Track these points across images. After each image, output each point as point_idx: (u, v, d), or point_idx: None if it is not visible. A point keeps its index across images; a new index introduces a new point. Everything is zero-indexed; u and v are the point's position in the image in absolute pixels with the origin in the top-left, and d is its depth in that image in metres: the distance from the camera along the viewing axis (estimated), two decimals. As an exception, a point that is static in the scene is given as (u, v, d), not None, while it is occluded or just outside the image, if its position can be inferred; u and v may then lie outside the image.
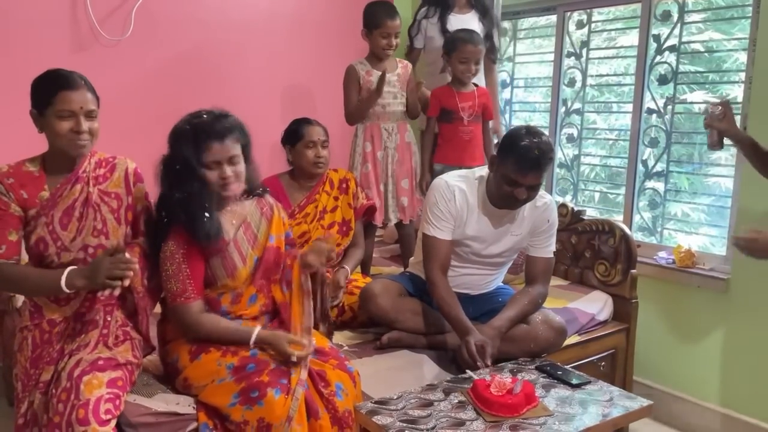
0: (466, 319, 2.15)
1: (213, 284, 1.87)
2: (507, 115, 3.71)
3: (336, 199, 2.64)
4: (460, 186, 2.27)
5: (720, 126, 2.11)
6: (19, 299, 2.41)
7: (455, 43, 2.78)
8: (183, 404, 1.77)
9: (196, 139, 1.76)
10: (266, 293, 1.97)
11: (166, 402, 1.77)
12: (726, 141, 2.15)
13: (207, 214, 1.77)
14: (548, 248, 2.33)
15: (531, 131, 2.11)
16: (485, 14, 3.12)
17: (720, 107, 2.11)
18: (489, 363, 2.04)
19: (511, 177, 2.10)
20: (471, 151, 2.87)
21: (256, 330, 1.82)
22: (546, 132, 2.17)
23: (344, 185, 2.67)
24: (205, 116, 1.81)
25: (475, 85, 2.90)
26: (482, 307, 2.36)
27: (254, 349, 1.80)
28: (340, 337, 2.33)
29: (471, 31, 2.85)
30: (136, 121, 3.16)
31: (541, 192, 2.30)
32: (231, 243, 1.86)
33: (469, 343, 2.05)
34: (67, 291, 1.67)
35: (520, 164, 2.07)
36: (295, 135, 2.57)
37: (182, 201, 1.77)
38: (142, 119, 3.18)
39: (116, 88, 3.10)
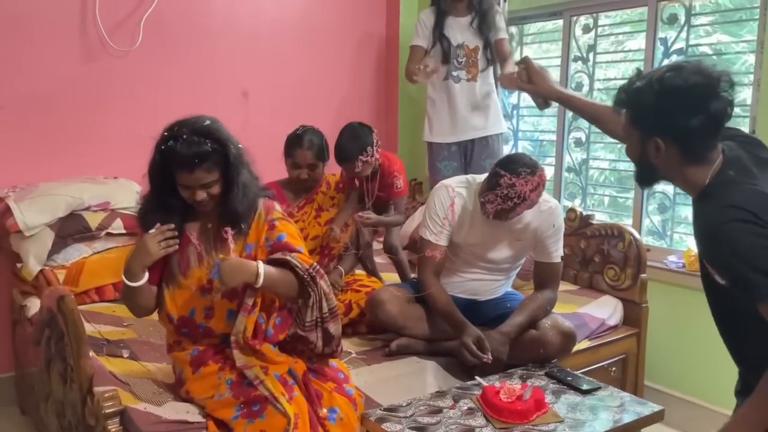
0: (460, 315, 2.19)
1: (172, 280, 1.82)
2: (514, 120, 3.70)
3: (332, 198, 2.69)
4: (461, 192, 2.29)
5: (528, 88, 1.95)
6: (31, 309, 2.44)
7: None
8: (193, 413, 1.78)
9: (165, 165, 1.70)
10: (250, 312, 1.78)
11: (176, 410, 1.78)
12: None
13: (151, 231, 1.75)
14: (556, 253, 2.32)
15: (518, 164, 2.11)
16: (484, 17, 3.07)
17: (523, 66, 1.93)
18: (490, 357, 2.06)
19: (482, 205, 2.16)
20: None
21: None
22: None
23: (341, 185, 2.70)
24: (175, 143, 1.67)
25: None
26: (491, 312, 2.36)
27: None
28: (349, 344, 2.33)
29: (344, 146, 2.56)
30: (144, 131, 3.17)
31: (546, 196, 2.30)
32: (193, 242, 1.82)
33: (467, 343, 2.08)
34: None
35: (485, 198, 2.12)
36: (286, 149, 2.60)
37: (147, 207, 1.78)
38: (150, 129, 3.19)
39: (125, 99, 3.13)
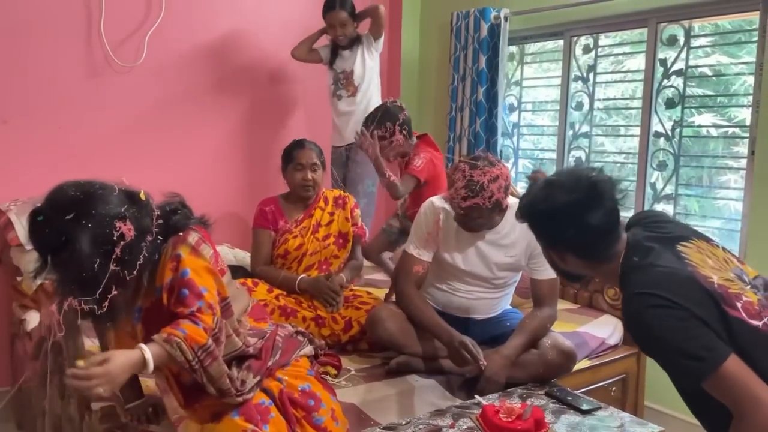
0: (444, 323, 2.20)
1: (106, 329, 1.75)
2: (515, 138, 3.72)
3: (331, 213, 2.70)
4: (446, 208, 2.31)
5: None
6: (30, 323, 2.44)
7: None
8: None
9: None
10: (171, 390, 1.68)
11: (173, 427, 1.77)
12: None
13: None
14: (550, 269, 2.31)
15: (475, 158, 2.17)
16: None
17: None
18: (482, 360, 2.07)
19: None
20: None
21: (131, 405, 1.76)
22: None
23: (340, 201, 2.74)
24: (32, 219, 1.50)
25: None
26: (491, 331, 2.35)
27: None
28: (348, 362, 2.33)
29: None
30: (149, 147, 3.20)
31: None
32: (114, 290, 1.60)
33: (465, 342, 2.09)
34: None
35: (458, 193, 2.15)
36: (287, 157, 2.66)
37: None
38: (155, 145, 3.22)
39: (129, 114, 3.15)
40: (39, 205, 1.50)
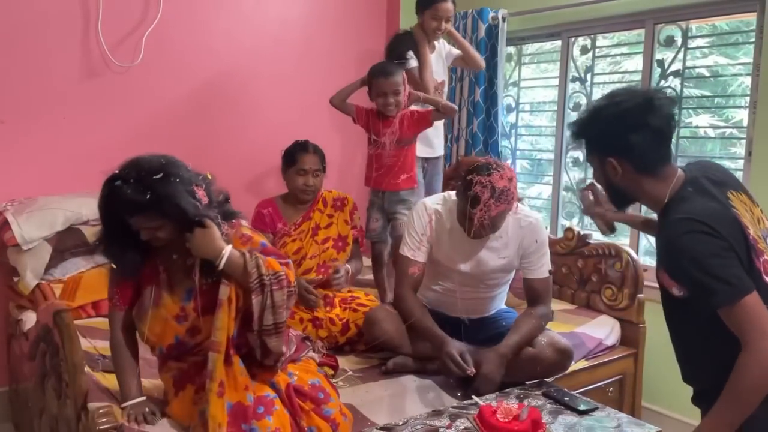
0: (438, 329, 2.19)
1: (144, 313, 1.80)
2: (513, 139, 3.72)
3: (330, 216, 2.69)
4: (438, 209, 2.31)
5: (598, 212, 1.93)
6: (27, 323, 2.43)
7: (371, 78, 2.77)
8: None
9: (106, 204, 1.71)
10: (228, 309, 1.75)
11: (171, 428, 1.76)
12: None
13: (114, 265, 1.77)
14: (543, 268, 2.32)
15: (484, 168, 2.11)
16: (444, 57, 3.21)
17: (589, 191, 1.95)
18: (473, 369, 2.06)
19: (460, 214, 2.17)
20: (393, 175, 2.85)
21: (129, 403, 1.77)
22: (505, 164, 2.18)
23: (339, 203, 2.72)
24: (121, 184, 1.64)
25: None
26: (486, 331, 2.36)
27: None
28: (345, 362, 2.32)
29: (385, 63, 2.87)
30: (145, 147, 3.18)
31: (527, 211, 2.32)
32: (163, 273, 1.81)
33: (452, 353, 2.08)
34: None
35: (461, 205, 2.13)
36: (289, 159, 2.64)
37: (102, 240, 1.78)
38: (152, 145, 3.20)
39: (127, 114, 3.14)
40: (117, 172, 1.66)
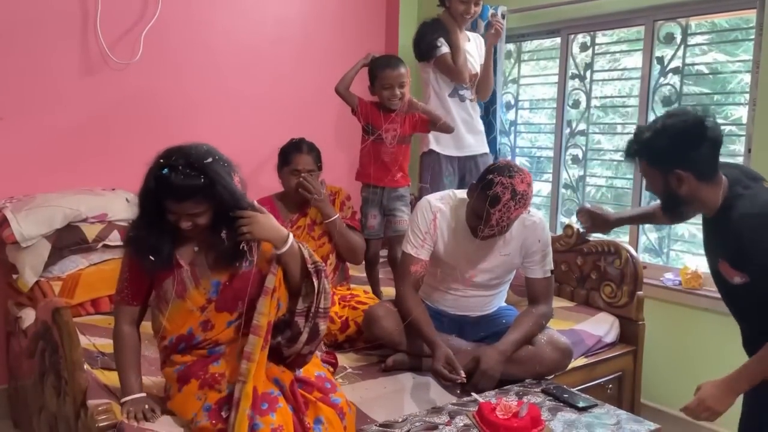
0: (430, 332, 2.18)
1: (165, 304, 1.82)
2: (512, 136, 3.72)
3: None
4: (442, 207, 2.31)
5: (598, 231, 2.35)
6: (26, 321, 2.43)
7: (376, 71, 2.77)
8: (187, 428, 1.77)
9: (156, 191, 1.70)
10: (238, 313, 1.86)
11: (170, 425, 1.77)
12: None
13: (152, 257, 1.76)
14: (545, 267, 2.32)
15: (506, 169, 2.10)
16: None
17: (583, 216, 2.33)
18: (462, 374, 2.05)
19: (474, 213, 2.15)
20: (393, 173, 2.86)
21: (128, 398, 1.76)
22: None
23: (332, 196, 2.72)
24: (174, 171, 1.67)
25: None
26: (486, 329, 2.36)
27: (230, 385, 1.75)
28: (345, 360, 2.32)
29: (390, 56, 2.89)
30: (143, 143, 3.19)
31: (532, 211, 2.31)
32: (186, 266, 1.83)
33: (438, 369, 2.06)
34: None
35: (478, 204, 2.11)
36: (283, 158, 2.63)
37: (139, 231, 1.78)
38: (150, 142, 3.20)
39: (124, 111, 3.14)
40: (163, 160, 1.69)
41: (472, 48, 3.12)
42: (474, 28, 3.44)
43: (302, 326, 1.82)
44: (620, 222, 2.34)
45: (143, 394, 1.80)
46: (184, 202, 1.69)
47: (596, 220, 2.31)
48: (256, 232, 1.74)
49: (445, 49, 2.98)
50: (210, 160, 1.70)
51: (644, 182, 2.99)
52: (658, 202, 1.94)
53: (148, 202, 1.74)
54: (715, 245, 1.81)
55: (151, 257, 1.76)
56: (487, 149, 3.22)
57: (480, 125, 3.19)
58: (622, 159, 3.19)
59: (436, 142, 3.11)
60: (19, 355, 2.53)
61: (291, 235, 1.79)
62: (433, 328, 2.21)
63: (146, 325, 1.90)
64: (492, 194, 2.06)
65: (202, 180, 1.67)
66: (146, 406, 1.76)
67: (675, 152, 1.74)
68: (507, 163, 2.18)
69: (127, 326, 1.84)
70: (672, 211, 1.86)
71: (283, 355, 1.87)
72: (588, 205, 2.37)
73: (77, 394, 1.77)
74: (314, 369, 1.91)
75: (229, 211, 1.73)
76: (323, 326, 1.85)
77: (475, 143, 3.16)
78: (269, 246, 1.80)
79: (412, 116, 2.81)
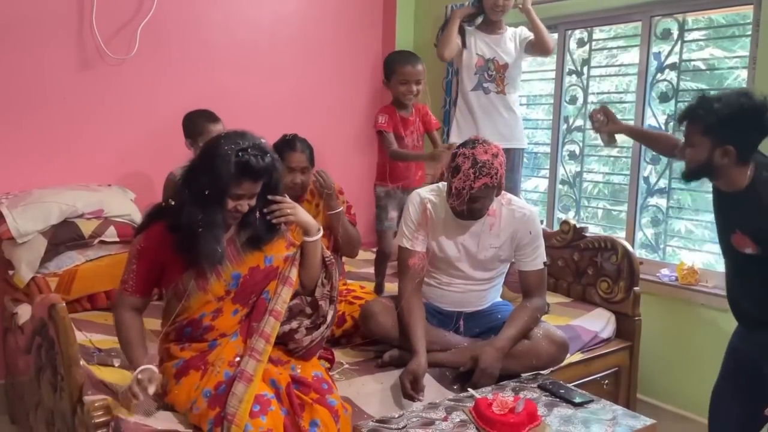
0: (416, 338, 2.15)
1: (181, 294, 1.84)
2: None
3: (317, 206, 2.66)
4: (432, 199, 2.31)
5: (608, 129, 2.38)
6: (22, 317, 2.43)
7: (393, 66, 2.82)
8: (184, 423, 1.77)
9: (238, 173, 1.75)
10: (247, 305, 1.94)
11: (166, 420, 1.77)
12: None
13: (219, 248, 1.80)
14: (537, 260, 2.32)
15: (470, 142, 2.16)
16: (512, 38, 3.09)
17: (600, 114, 2.37)
18: (421, 398, 2.04)
19: (447, 189, 2.20)
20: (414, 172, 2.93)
21: (139, 369, 1.74)
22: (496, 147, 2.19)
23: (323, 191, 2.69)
24: (246, 151, 1.76)
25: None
26: (482, 324, 2.36)
27: (227, 370, 1.78)
28: (341, 355, 2.33)
29: (408, 52, 2.93)
30: (139, 139, 3.19)
31: (521, 203, 2.33)
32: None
33: (402, 379, 2.06)
34: None
35: (449, 174, 2.17)
36: (277, 156, 2.59)
37: (201, 224, 1.77)
38: (146, 137, 3.20)
39: (120, 107, 3.13)
40: (234, 145, 1.76)
41: (509, 42, 3.05)
42: (471, 23, 3.39)
43: (326, 308, 1.98)
44: (628, 130, 2.41)
45: (153, 366, 1.76)
46: (258, 181, 1.80)
47: (610, 119, 2.37)
48: (298, 215, 1.90)
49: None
50: (264, 141, 1.84)
51: (639, 179, 3.02)
52: (669, 132, 2.08)
53: (216, 189, 1.76)
54: (734, 217, 1.91)
55: (219, 249, 1.80)
56: (523, 143, 3.11)
57: (513, 119, 3.06)
58: (619, 155, 3.20)
59: (458, 136, 3.07)
60: (15, 351, 2.53)
61: (321, 230, 1.96)
62: (422, 335, 2.17)
63: (145, 322, 1.90)
64: (453, 165, 2.13)
65: (268, 160, 1.80)
66: (157, 373, 1.74)
67: (736, 129, 1.81)
68: (475, 137, 2.20)
69: (129, 313, 1.85)
70: (694, 176, 1.94)
71: (289, 348, 1.91)
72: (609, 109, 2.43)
73: (74, 389, 1.77)
74: (312, 369, 1.92)
75: (274, 191, 1.87)
76: (335, 309, 2.02)
77: (501, 137, 2.96)
78: (283, 243, 1.95)
79: (419, 111, 2.91)
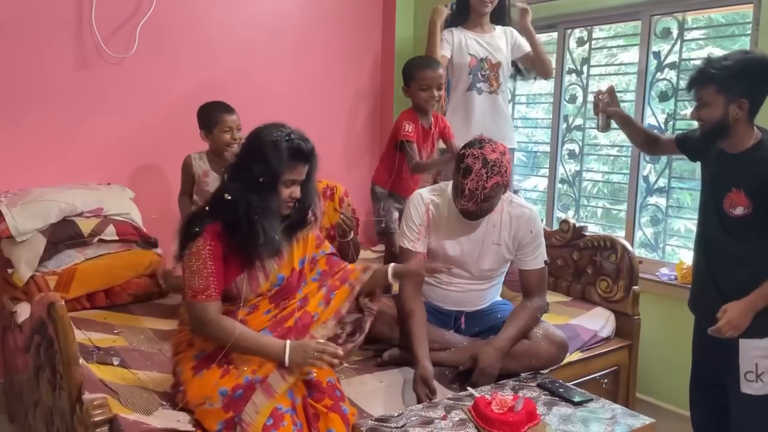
0: (418, 347, 2.13)
1: (235, 298, 1.86)
2: (509, 131, 3.71)
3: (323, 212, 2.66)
4: (434, 199, 2.31)
5: (609, 111, 2.39)
6: (21, 315, 2.43)
7: (412, 71, 2.76)
8: (183, 421, 1.77)
9: (290, 157, 1.82)
10: (279, 307, 1.95)
11: (165, 419, 1.77)
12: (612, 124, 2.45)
13: (277, 237, 1.83)
14: (538, 259, 2.32)
15: (476, 142, 2.15)
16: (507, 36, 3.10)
17: (607, 94, 2.39)
18: (433, 396, 2.03)
19: (454, 191, 2.18)
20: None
21: (288, 344, 1.78)
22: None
23: (329, 192, 2.68)
24: (293, 136, 1.84)
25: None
26: (482, 324, 2.36)
27: (248, 376, 1.76)
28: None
29: (427, 57, 2.88)
30: (138, 138, 3.18)
31: (522, 202, 2.32)
32: (257, 261, 1.87)
33: (416, 389, 2.06)
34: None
35: (455, 180, 2.16)
36: None
37: (260, 213, 1.80)
38: (146, 136, 3.20)
39: (120, 105, 3.13)
40: (276, 135, 1.83)
41: (499, 40, 3.06)
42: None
43: (366, 318, 2.04)
44: (625, 120, 2.42)
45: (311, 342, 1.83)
46: (306, 164, 1.87)
47: (613, 101, 2.40)
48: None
49: (444, 52, 3.01)
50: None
51: (639, 178, 3.02)
52: (665, 135, 2.14)
53: (271, 175, 1.80)
54: (733, 175, 1.97)
55: (277, 237, 1.83)
56: (513, 143, 3.12)
57: (503, 119, 3.10)
58: (618, 154, 3.20)
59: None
60: (14, 349, 2.53)
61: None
62: (424, 339, 2.16)
63: (145, 321, 1.90)
64: (463, 167, 2.10)
65: (313, 144, 1.88)
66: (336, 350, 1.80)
67: (749, 82, 1.90)
68: (480, 137, 2.19)
69: (223, 317, 1.83)
70: (709, 137, 2.01)
71: None
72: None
73: (72, 388, 1.76)
74: (326, 375, 1.92)
75: (311, 177, 1.92)
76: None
77: (496, 136, 3.07)
78: (314, 242, 2.04)
79: (438, 123, 2.86)
